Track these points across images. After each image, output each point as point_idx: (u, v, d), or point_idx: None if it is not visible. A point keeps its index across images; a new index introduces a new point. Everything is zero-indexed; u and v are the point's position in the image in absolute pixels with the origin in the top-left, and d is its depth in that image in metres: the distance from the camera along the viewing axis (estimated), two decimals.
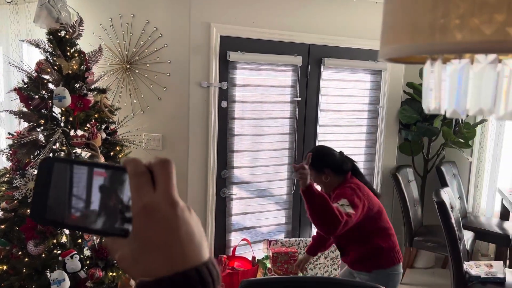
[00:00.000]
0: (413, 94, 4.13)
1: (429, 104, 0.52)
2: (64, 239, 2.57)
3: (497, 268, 3.05)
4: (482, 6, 0.45)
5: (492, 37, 0.43)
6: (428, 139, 4.23)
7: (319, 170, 2.38)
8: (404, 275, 3.98)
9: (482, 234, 3.97)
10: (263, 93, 3.50)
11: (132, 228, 0.46)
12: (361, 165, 4.02)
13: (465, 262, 3.05)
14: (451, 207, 3.07)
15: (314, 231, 3.89)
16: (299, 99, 3.64)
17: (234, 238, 3.57)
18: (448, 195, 3.14)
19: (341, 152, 2.48)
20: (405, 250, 3.97)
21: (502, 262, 3.22)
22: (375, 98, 3.98)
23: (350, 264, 2.44)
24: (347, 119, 3.90)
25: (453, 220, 2.97)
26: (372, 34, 3.76)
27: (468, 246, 3.51)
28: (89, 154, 2.61)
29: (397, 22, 0.51)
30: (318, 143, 3.79)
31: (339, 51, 3.72)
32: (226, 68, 3.33)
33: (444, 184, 4.04)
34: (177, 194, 0.47)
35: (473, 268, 3.05)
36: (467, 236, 3.65)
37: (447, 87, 0.49)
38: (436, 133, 4.07)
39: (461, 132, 4.12)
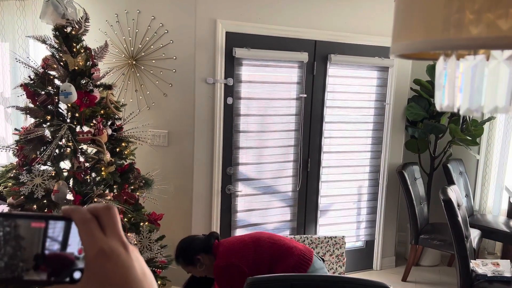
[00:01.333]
0: (420, 91, 4.10)
1: (442, 101, 0.51)
2: None
3: (504, 267, 3.02)
4: (498, 1, 0.43)
5: (508, 33, 0.42)
6: (435, 136, 4.20)
7: (192, 262, 2.38)
8: (410, 273, 3.97)
9: (488, 232, 3.94)
10: (268, 90, 3.49)
11: (86, 272, 0.48)
12: (367, 162, 4.01)
13: (471, 261, 3.03)
14: (458, 205, 3.05)
15: (319, 228, 3.89)
16: (305, 95, 3.62)
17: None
18: (455, 193, 3.12)
19: (202, 235, 2.49)
20: (411, 248, 3.95)
21: (509, 260, 3.19)
22: (381, 95, 3.96)
23: None
24: (353, 116, 3.88)
25: (459, 218, 2.95)
26: (378, 31, 3.73)
27: (474, 244, 3.49)
28: (95, 150, 2.62)
29: (410, 17, 0.50)
30: (324, 140, 3.78)
31: (345, 47, 3.70)
32: (231, 65, 3.32)
33: (450, 182, 4.01)
34: (124, 237, 0.51)
35: (480, 266, 3.03)
36: (474, 234, 3.63)
37: (461, 84, 0.48)
38: (443, 130, 4.04)
39: (468, 129, 4.09)
